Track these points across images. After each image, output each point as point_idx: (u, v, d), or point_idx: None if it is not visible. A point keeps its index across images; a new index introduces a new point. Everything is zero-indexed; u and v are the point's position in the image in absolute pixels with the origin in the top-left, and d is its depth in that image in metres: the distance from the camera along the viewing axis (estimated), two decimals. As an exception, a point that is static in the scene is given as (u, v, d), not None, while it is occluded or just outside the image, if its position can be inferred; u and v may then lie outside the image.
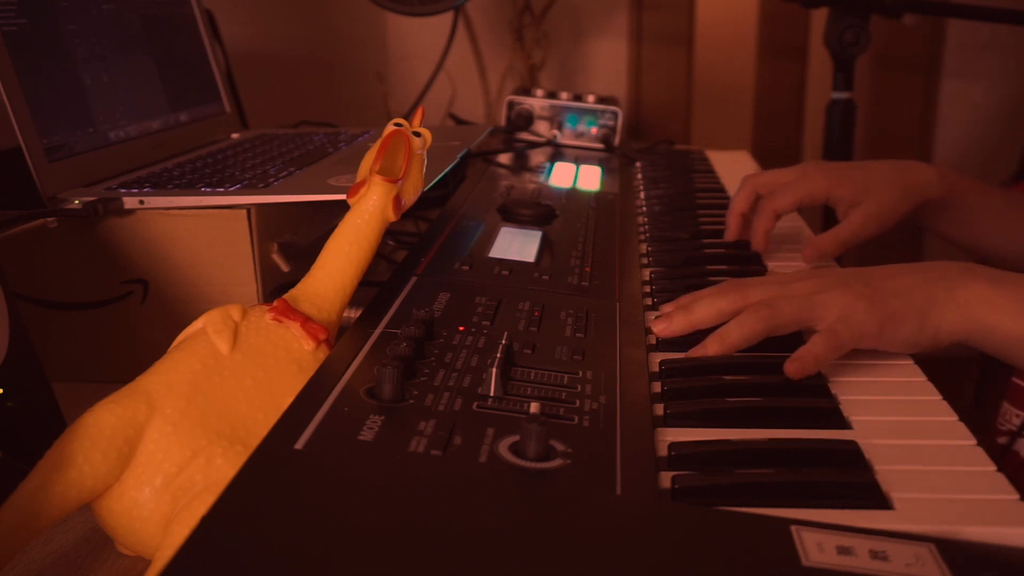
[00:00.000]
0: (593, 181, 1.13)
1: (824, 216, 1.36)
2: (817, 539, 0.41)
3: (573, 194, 1.05)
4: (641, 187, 1.16)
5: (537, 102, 1.32)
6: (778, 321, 0.64)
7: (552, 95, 1.34)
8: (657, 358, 0.65)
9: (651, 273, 0.82)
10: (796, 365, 0.60)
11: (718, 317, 0.66)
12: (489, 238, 0.84)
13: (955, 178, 0.87)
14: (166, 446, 0.49)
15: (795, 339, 0.66)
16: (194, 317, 0.55)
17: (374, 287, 0.70)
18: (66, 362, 0.73)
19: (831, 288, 0.64)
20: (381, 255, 0.88)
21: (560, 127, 1.32)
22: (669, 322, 0.67)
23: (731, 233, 0.90)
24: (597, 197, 1.05)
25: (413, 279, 0.72)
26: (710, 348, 0.64)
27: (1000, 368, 0.81)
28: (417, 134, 0.66)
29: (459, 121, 1.57)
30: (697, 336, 0.66)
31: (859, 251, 0.96)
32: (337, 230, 0.63)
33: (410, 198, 0.66)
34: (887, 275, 0.66)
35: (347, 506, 0.40)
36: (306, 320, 0.57)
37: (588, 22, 1.99)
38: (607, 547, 0.40)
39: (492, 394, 0.53)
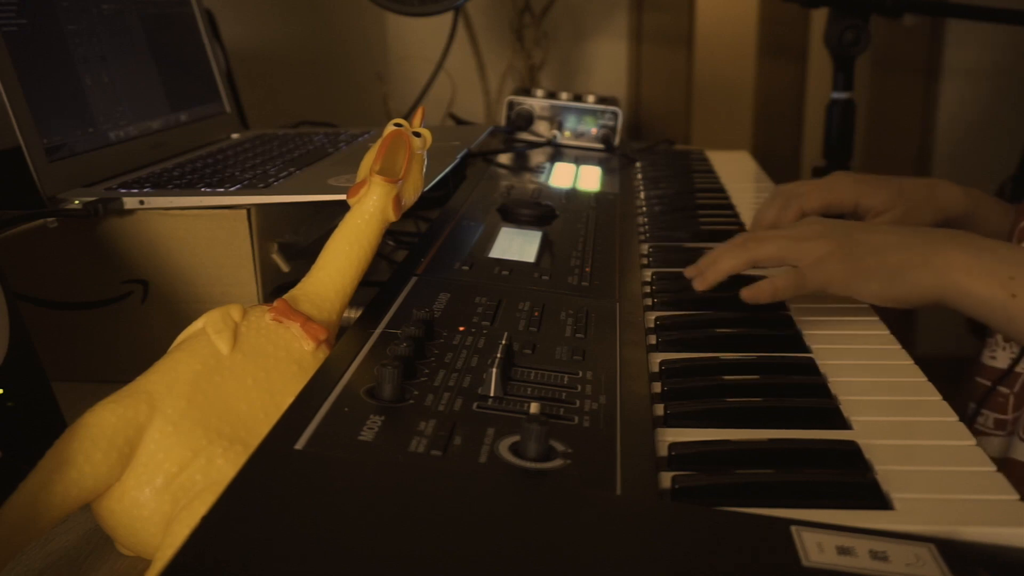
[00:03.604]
0: (593, 181, 1.13)
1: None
2: (817, 539, 0.41)
3: (573, 194, 1.05)
4: (641, 187, 1.16)
5: (537, 102, 1.32)
6: (758, 254, 0.71)
7: (552, 95, 1.34)
8: (657, 358, 0.65)
9: (651, 273, 0.82)
10: (752, 291, 0.69)
11: (745, 264, 0.73)
12: (489, 238, 0.84)
13: (981, 197, 0.88)
14: (167, 446, 0.49)
15: (794, 339, 0.66)
16: (194, 317, 0.55)
17: (374, 287, 0.70)
18: (66, 362, 0.73)
19: (817, 237, 0.70)
20: (381, 255, 0.87)
21: (560, 127, 1.32)
22: (703, 278, 0.73)
23: None
24: (597, 197, 1.05)
25: (413, 279, 0.72)
26: (693, 271, 0.75)
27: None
28: (417, 134, 0.66)
29: (459, 121, 1.57)
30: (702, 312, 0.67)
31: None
32: (337, 230, 0.63)
33: (410, 198, 0.66)
34: (871, 231, 0.71)
35: (347, 506, 0.41)
36: (306, 320, 0.57)
37: (588, 22, 1.99)
38: (607, 547, 0.40)
39: (492, 394, 0.53)
